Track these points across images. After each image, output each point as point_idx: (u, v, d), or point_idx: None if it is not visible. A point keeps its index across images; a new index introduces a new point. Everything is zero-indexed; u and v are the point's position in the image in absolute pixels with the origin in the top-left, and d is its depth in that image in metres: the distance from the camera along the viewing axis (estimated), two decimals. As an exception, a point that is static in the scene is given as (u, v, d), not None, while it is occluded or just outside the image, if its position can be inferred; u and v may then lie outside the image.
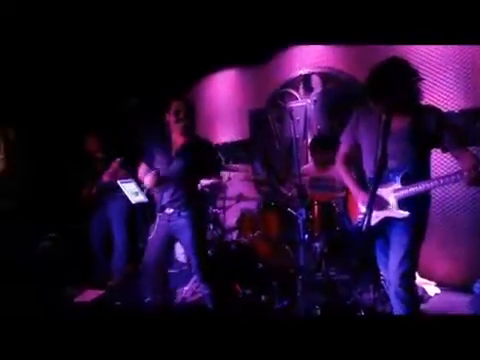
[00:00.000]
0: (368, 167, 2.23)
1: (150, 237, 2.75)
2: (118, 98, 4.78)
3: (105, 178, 3.60)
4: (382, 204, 2.15)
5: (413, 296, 2.15)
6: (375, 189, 1.77)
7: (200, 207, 2.74)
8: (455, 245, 3.45)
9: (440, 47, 3.41)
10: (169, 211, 2.66)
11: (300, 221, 2.68)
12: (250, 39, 4.27)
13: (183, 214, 2.61)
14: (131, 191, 3.30)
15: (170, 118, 2.63)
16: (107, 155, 3.87)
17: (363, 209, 2.29)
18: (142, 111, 4.90)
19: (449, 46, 3.36)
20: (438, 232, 3.39)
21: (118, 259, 4.05)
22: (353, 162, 2.36)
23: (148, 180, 2.61)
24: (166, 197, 2.66)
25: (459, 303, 2.99)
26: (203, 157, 2.66)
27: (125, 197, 3.50)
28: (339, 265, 3.11)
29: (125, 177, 3.46)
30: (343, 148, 2.37)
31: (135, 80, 4.72)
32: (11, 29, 3.14)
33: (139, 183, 3.43)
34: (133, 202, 3.26)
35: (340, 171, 2.37)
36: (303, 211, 2.62)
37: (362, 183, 2.27)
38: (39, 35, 3.38)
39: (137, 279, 3.92)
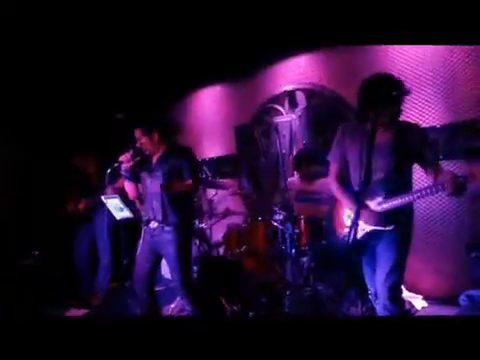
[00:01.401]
0: (354, 180, 2.24)
1: (137, 253, 2.71)
2: (106, 113, 4.76)
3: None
4: (368, 217, 2.16)
5: (401, 309, 2.15)
6: (360, 202, 1.78)
7: (185, 221, 2.70)
8: (440, 258, 3.47)
9: (422, 62, 3.49)
10: (153, 225, 2.65)
11: (287, 235, 2.68)
12: (235, 55, 4.37)
13: (167, 229, 2.58)
14: (116, 207, 3.27)
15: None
16: (100, 170, 3.84)
17: (349, 222, 2.31)
18: (128, 126, 4.88)
19: (430, 61, 3.45)
20: (423, 246, 3.41)
21: (103, 276, 3.98)
22: (345, 178, 2.37)
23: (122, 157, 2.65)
24: (150, 211, 2.66)
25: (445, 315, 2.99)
26: (180, 162, 2.67)
27: (110, 213, 3.47)
28: (327, 279, 3.10)
29: (109, 193, 3.44)
30: (333, 165, 2.38)
31: (122, 95, 4.72)
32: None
33: (124, 199, 3.40)
34: (118, 218, 3.23)
35: (333, 187, 2.36)
36: (289, 226, 2.62)
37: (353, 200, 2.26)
38: (28, 53, 3.39)
39: (122, 296, 3.85)
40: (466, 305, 2.94)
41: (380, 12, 2.34)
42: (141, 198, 2.95)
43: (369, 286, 2.41)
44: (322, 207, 3.16)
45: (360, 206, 1.77)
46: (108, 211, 3.48)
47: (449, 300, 3.19)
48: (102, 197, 3.23)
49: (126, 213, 3.27)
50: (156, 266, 2.80)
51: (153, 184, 2.66)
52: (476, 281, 3.10)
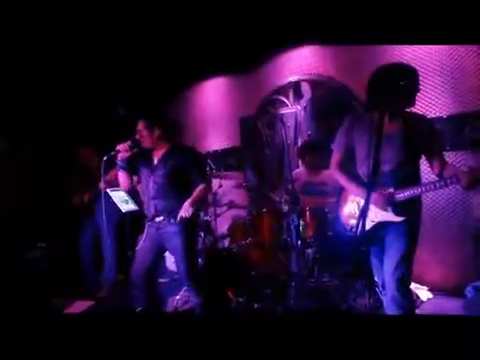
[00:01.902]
0: (362, 171, 2.23)
1: (138, 247, 2.71)
2: (108, 106, 4.75)
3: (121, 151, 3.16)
4: (378, 208, 2.14)
5: (409, 301, 2.15)
6: (369, 194, 1.76)
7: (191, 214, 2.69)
8: (446, 250, 3.46)
9: (429, 52, 3.45)
10: (159, 219, 2.64)
11: (292, 227, 2.67)
12: (239, 46, 4.33)
13: (173, 221, 2.57)
14: (121, 199, 3.27)
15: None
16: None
17: (356, 213, 2.30)
18: (130, 120, 4.87)
19: (437, 51, 3.41)
20: (429, 238, 3.39)
21: (109, 269, 4.00)
22: (347, 166, 2.36)
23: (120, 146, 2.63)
24: (156, 205, 2.65)
25: (451, 307, 2.99)
26: (186, 162, 2.66)
27: (115, 206, 3.47)
28: (332, 271, 3.09)
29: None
30: (337, 153, 2.37)
31: (124, 88, 4.69)
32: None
33: (129, 191, 3.40)
34: (123, 210, 3.23)
35: (337, 175, 2.36)
36: (295, 217, 2.61)
37: (360, 186, 2.25)
38: (27, 46, 3.37)
39: (127, 289, 3.87)
40: (472, 296, 2.94)
41: (382, 12, 2.32)
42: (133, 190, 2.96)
43: (376, 278, 2.41)
44: (328, 198, 3.15)
45: (369, 196, 1.75)
46: (111, 204, 3.50)
47: (455, 292, 3.19)
48: (107, 190, 3.23)
49: (131, 205, 3.27)
50: (159, 259, 2.80)
51: (156, 183, 2.65)
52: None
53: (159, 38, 3.82)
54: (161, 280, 4.03)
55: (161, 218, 2.63)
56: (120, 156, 2.65)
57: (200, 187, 2.64)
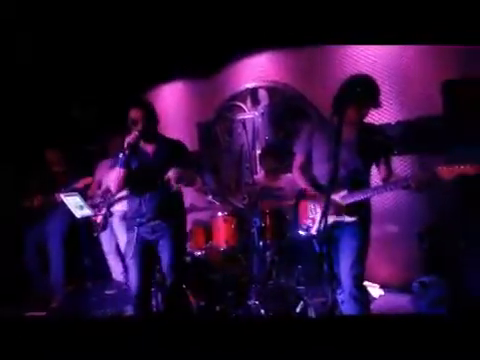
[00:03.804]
0: (320, 174, 2.35)
1: (129, 256, 2.50)
2: (72, 107, 4.59)
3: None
4: (332, 209, 2.25)
5: (366, 295, 2.28)
6: (329, 195, 1.86)
7: (181, 215, 2.65)
8: (394, 249, 3.67)
9: (380, 60, 3.65)
10: (151, 223, 2.49)
11: (255, 229, 2.72)
12: (197, 51, 4.36)
13: (164, 225, 2.48)
14: (76, 205, 3.18)
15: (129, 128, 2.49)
16: (68, 168, 3.70)
17: (311, 214, 2.41)
18: (101, 120, 4.74)
19: (384, 61, 3.62)
20: (378, 238, 3.57)
21: (56, 278, 3.81)
22: (308, 170, 2.46)
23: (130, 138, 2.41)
24: (143, 207, 2.48)
25: (401, 302, 3.17)
26: (176, 158, 2.50)
27: (65, 213, 3.34)
28: (289, 272, 3.18)
29: (69, 190, 3.33)
30: (299, 157, 2.48)
31: (82, 89, 4.56)
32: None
33: (84, 196, 3.31)
34: (78, 216, 3.15)
35: (298, 179, 2.47)
36: (257, 219, 2.66)
37: (317, 189, 2.36)
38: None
39: (83, 297, 3.73)
40: (418, 291, 3.13)
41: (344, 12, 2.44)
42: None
43: (330, 276, 2.51)
44: (286, 202, 3.25)
45: (329, 198, 1.85)
46: (64, 211, 3.37)
47: (404, 287, 3.39)
48: (61, 195, 3.12)
49: (86, 211, 3.20)
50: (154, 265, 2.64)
51: (148, 181, 2.48)
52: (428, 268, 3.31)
53: (118, 41, 3.77)
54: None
55: (155, 222, 2.48)
56: (128, 144, 2.40)
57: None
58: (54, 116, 4.45)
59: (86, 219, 3.24)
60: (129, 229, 2.55)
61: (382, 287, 3.52)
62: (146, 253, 2.50)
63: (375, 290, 3.44)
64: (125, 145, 2.40)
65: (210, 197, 3.30)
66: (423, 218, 3.53)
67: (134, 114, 2.47)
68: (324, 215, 1.78)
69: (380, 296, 3.41)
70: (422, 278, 3.13)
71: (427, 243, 3.46)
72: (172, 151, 2.55)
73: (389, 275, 3.64)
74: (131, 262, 2.49)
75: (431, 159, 3.04)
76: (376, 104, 2.25)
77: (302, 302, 2.95)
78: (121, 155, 2.41)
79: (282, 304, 2.94)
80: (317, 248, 2.38)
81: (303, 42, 3.75)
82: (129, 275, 2.57)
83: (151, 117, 2.54)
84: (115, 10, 2.88)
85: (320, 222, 2.25)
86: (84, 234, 3.50)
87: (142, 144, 2.54)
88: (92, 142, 4.63)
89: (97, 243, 3.70)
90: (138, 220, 2.49)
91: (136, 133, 2.41)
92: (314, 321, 2.40)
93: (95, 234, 3.42)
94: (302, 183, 2.46)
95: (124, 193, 2.84)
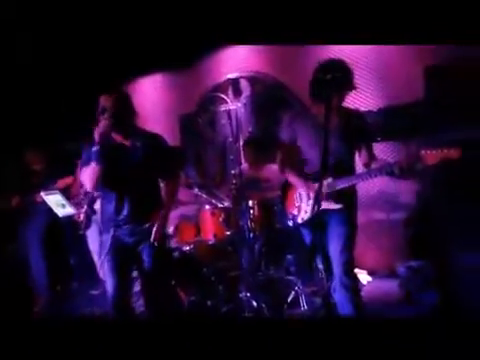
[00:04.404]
0: (308, 163, 2.33)
1: (101, 261, 2.30)
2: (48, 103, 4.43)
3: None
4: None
5: (355, 282, 2.29)
6: (321, 183, 1.85)
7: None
8: (379, 236, 3.71)
9: (357, 48, 3.66)
10: (129, 225, 2.28)
11: (242, 222, 2.69)
12: (175, 42, 4.26)
13: (143, 228, 2.28)
14: (57, 203, 3.09)
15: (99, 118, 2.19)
16: (48, 167, 3.56)
17: (297, 203, 2.39)
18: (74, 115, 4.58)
19: (363, 48, 3.63)
20: (364, 225, 3.60)
21: (39, 282, 3.69)
22: (293, 160, 2.43)
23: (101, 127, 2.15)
24: (123, 209, 2.26)
25: (388, 287, 3.21)
26: (154, 155, 2.29)
27: (45, 213, 3.21)
28: (278, 263, 3.17)
29: (50, 189, 3.23)
30: (282, 149, 2.44)
31: (60, 84, 4.41)
32: None
33: (66, 196, 3.20)
34: (60, 215, 3.06)
35: (285, 171, 2.41)
36: (245, 212, 2.63)
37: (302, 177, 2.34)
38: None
39: (67, 299, 3.65)
40: (406, 276, 3.18)
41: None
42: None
43: (319, 264, 2.52)
44: (273, 192, 3.23)
45: (321, 186, 1.83)
46: (43, 211, 3.25)
47: (390, 273, 3.45)
48: (41, 193, 3.02)
49: (68, 209, 3.11)
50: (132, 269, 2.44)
51: (126, 178, 2.25)
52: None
53: (92, 34, 3.65)
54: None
55: (136, 224, 2.28)
56: (99, 135, 2.13)
57: (169, 186, 2.39)
58: (34, 113, 4.29)
59: (70, 218, 3.15)
60: (104, 231, 2.32)
61: (370, 274, 3.56)
62: (123, 257, 2.28)
63: (363, 276, 3.48)
64: (96, 137, 2.14)
65: (196, 190, 3.25)
66: (406, 204, 3.59)
67: (104, 101, 2.20)
68: (316, 202, 1.76)
69: (368, 282, 3.45)
70: (410, 263, 3.18)
71: (412, 229, 3.53)
72: (151, 145, 2.30)
73: (376, 262, 3.69)
74: (106, 266, 2.28)
75: (414, 144, 3.06)
76: (352, 86, 2.22)
77: (293, 292, 2.97)
78: (94, 148, 2.14)
79: (273, 295, 2.94)
80: (306, 237, 2.37)
81: (287, 40, 3.71)
82: (106, 279, 2.33)
83: (125, 105, 2.27)
84: (92, 3, 2.79)
85: (308, 210, 2.30)
86: (69, 233, 3.40)
87: (117, 138, 2.29)
88: (73, 140, 4.49)
89: (83, 241, 3.59)
90: (114, 222, 2.26)
91: (106, 122, 2.14)
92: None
93: (80, 232, 3.31)
94: (290, 177, 2.40)
95: None
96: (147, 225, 2.27)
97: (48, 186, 3.35)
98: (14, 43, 3.10)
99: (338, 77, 2.12)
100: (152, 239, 2.24)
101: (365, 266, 3.63)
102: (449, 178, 2.50)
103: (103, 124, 2.14)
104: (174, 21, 3.09)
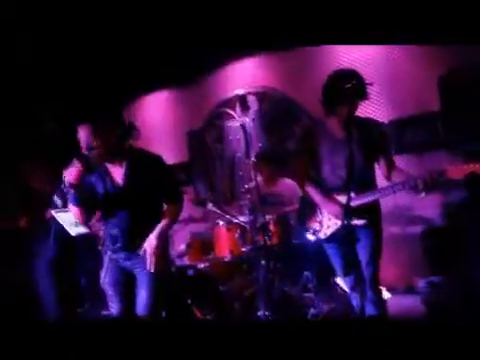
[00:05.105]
0: (327, 177, 2.27)
1: (109, 290, 2.21)
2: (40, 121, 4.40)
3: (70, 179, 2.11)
4: (339, 212, 2.17)
5: (381, 297, 2.23)
6: (349, 198, 1.79)
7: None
8: (396, 250, 3.64)
9: (365, 61, 3.66)
10: (126, 251, 2.17)
11: (259, 237, 2.63)
12: (181, 58, 4.28)
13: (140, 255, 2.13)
14: (69, 222, 3.00)
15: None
16: (50, 184, 3.49)
17: (318, 218, 2.32)
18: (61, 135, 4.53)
19: (374, 60, 3.63)
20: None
21: (49, 303, 3.58)
22: (310, 175, 2.37)
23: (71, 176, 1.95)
24: (116, 233, 2.15)
25: (409, 304, 3.12)
26: (154, 178, 2.14)
27: (54, 234, 3.13)
28: (294, 279, 3.09)
29: (61, 208, 3.16)
30: (300, 165, 2.38)
31: (60, 102, 4.40)
32: None
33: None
34: (73, 234, 2.97)
35: (309, 190, 2.31)
36: (262, 227, 2.57)
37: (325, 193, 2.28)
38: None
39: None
40: (426, 292, 3.09)
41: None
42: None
43: (343, 280, 2.45)
44: (287, 207, 3.18)
45: (349, 201, 1.78)
46: (53, 231, 3.18)
47: (408, 289, 3.36)
48: (53, 212, 2.95)
49: (81, 228, 3.03)
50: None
51: (119, 212, 2.13)
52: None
53: (97, 51, 3.66)
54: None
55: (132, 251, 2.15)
56: (69, 184, 1.96)
57: (172, 208, 2.20)
58: (32, 126, 4.25)
59: (82, 236, 3.07)
60: (105, 252, 2.25)
61: (388, 290, 3.47)
62: (124, 280, 2.19)
63: (383, 293, 3.39)
64: (66, 184, 1.96)
65: (210, 205, 3.19)
66: (423, 218, 3.53)
67: (82, 133, 2.11)
68: (346, 216, 1.70)
69: (387, 299, 3.36)
70: (430, 278, 3.10)
71: (430, 243, 3.45)
72: (147, 169, 2.13)
73: (394, 277, 3.60)
74: (109, 290, 2.20)
75: (434, 157, 3.03)
76: (365, 96, 2.17)
77: (312, 309, 2.88)
78: (71, 191, 1.99)
79: (291, 313, 2.85)
80: (330, 252, 2.30)
81: (292, 44, 3.73)
82: (111, 303, 2.23)
83: (108, 132, 2.05)
84: (95, 19, 2.79)
85: (330, 225, 2.23)
86: (80, 253, 3.31)
87: (108, 165, 2.14)
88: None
89: (97, 259, 3.49)
90: (111, 246, 2.17)
91: (78, 167, 1.92)
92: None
93: (100, 248, 3.22)
94: (315, 196, 2.29)
95: None
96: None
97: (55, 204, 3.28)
98: (14, 43, 3.08)
99: (355, 86, 2.10)
100: (150, 268, 2.05)
101: (383, 282, 3.54)
102: (474, 191, 2.44)
103: (73, 172, 1.94)
104: (180, 37, 3.10)
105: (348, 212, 1.74)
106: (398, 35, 2.52)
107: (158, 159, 2.22)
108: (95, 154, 2.02)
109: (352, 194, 2.14)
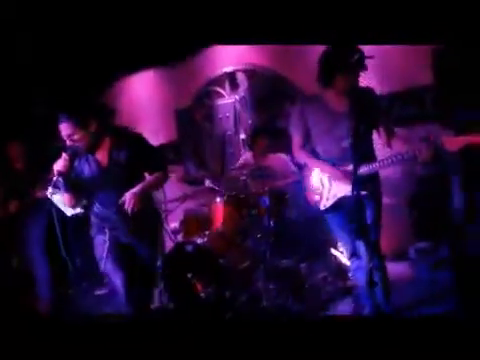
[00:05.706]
0: (321, 149, 2.32)
1: (110, 266, 2.32)
2: (30, 103, 4.28)
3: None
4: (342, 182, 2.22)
5: (384, 263, 2.38)
6: (356, 168, 1.84)
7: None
8: (387, 218, 3.74)
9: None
10: (123, 228, 2.32)
11: (255, 211, 2.67)
12: (169, 37, 4.19)
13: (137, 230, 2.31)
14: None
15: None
16: (30, 166, 3.42)
17: (318, 190, 2.37)
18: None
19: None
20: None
21: (42, 285, 3.58)
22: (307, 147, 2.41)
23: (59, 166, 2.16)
24: (111, 214, 2.31)
25: (401, 270, 3.23)
26: (137, 154, 2.28)
27: (42, 214, 3.10)
28: (292, 250, 3.16)
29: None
30: (297, 136, 2.40)
31: (45, 82, 4.27)
32: None
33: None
34: (69, 214, 2.95)
35: (303, 156, 2.39)
36: (266, 199, 2.62)
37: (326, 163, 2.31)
38: None
39: (75, 302, 3.55)
40: (416, 257, 3.23)
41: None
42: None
43: (344, 248, 2.53)
44: (279, 181, 3.24)
45: (356, 168, 1.83)
46: (44, 212, 3.15)
47: (400, 256, 3.48)
48: (47, 193, 2.91)
49: (77, 209, 3.01)
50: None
51: (109, 191, 2.27)
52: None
53: (81, 29, 3.55)
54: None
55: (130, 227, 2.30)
56: (58, 172, 2.16)
57: (155, 174, 2.34)
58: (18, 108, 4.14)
59: (76, 216, 3.05)
60: (99, 231, 2.37)
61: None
62: (123, 255, 2.31)
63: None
64: (55, 172, 2.15)
65: (208, 182, 3.21)
66: (408, 187, 3.63)
67: (64, 130, 2.14)
68: (355, 187, 1.75)
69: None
70: (419, 244, 3.23)
71: (417, 211, 3.57)
72: (128, 146, 2.27)
73: (386, 244, 3.72)
74: (110, 265, 2.32)
75: (425, 129, 3.09)
76: (364, 68, 2.19)
77: (308, 279, 2.97)
78: (60, 179, 2.17)
79: (289, 283, 2.93)
80: (331, 222, 2.37)
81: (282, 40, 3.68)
82: (113, 279, 2.37)
83: (88, 123, 2.19)
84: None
85: (330, 197, 2.29)
86: (71, 233, 3.29)
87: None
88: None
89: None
90: (108, 224, 2.32)
91: (65, 158, 2.14)
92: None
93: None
94: (308, 161, 2.40)
95: None
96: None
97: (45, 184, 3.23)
98: (14, 43, 3.01)
99: (349, 59, 2.10)
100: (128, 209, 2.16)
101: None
102: (468, 161, 2.52)
103: (62, 163, 2.15)
104: (167, 15, 3.05)
105: (356, 181, 1.78)
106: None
107: (139, 136, 2.39)
108: (80, 146, 2.18)
109: (350, 166, 2.19)
